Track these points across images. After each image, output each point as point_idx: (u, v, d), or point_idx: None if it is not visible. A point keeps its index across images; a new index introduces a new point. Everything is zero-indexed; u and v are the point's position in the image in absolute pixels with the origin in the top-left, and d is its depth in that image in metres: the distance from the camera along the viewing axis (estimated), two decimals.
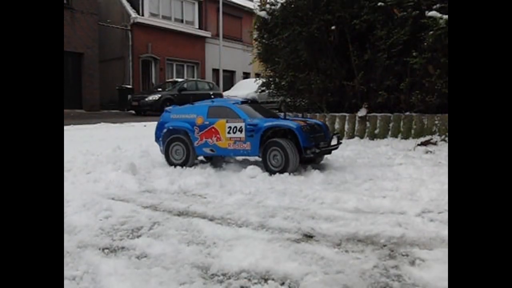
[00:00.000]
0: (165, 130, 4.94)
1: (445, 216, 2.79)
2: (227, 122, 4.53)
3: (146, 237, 2.51)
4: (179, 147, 4.83)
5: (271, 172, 4.21)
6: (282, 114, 4.97)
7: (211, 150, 4.68)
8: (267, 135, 4.39)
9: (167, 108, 5.24)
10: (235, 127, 4.48)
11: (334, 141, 4.58)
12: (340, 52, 7.21)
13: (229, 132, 4.51)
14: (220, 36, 20.16)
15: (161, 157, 4.94)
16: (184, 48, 20.36)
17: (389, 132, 6.56)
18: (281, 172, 4.17)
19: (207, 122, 4.65)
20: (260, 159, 4.50)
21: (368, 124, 6.77)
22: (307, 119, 4.93)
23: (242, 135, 4.44)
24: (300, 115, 5.51)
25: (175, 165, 4.69)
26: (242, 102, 4.89)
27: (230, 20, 22.61)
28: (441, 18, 5.66)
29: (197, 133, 4.70)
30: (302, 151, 4.17)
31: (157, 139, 5.06)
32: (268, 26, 8.29)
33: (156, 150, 5.17)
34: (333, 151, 4.67)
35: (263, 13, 8.36)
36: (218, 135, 4.57)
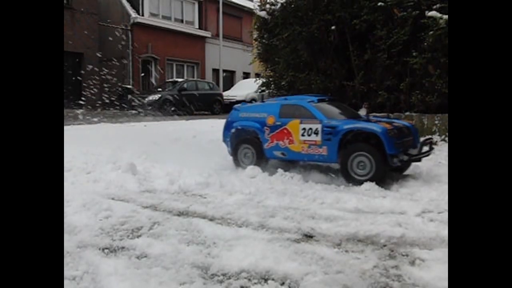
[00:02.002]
0: (233, 130, 4.59)
1: (445, 216, 2.79)
2: (301, 123, 4.11)
3: (146, 237, 2.51)
4: (248, 150, 4.46)
5: (353, 182, 3.72)
6: (364, 114, 4.31)
7: (283, 154, 4.28)
8: (346, 139, 3.87)
9: (235, 106, 4.85)
10: (310, 128, 4.03)
11: (425, 147, 4.05)
12: (340, 52, 7.21)
13: (303, 135, 4.08)
14: (220, 36, 20.14)
15: (160, 157, 4.90)
16: (184, 48, 20.31)
17: None
18: (367, 181, 3.65)
19: (278, 123, 4.25)
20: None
21: None
22: (394, 120, 4.38)
23: (318, 138, 3.99)
24: (385, 115, 4.91)
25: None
26: (319, 100, 4.40)
27: (230, 20, 22.56)
28: (441, 18, 5.66)
29: (268, 134, 4.30)
30: (388, 159, 3.61)
31: (224, 140, 4.71)
32: (268, 26, 8.28)
33: (155, 150, 5.16)
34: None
35: (263, 13, 8.35)
36: (290, 137, 4.15)
